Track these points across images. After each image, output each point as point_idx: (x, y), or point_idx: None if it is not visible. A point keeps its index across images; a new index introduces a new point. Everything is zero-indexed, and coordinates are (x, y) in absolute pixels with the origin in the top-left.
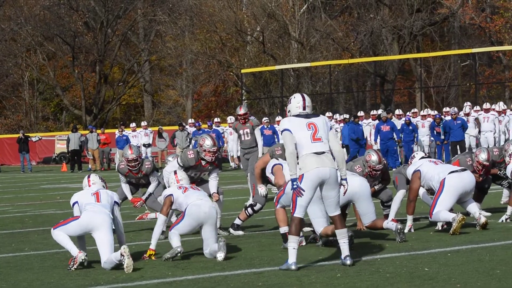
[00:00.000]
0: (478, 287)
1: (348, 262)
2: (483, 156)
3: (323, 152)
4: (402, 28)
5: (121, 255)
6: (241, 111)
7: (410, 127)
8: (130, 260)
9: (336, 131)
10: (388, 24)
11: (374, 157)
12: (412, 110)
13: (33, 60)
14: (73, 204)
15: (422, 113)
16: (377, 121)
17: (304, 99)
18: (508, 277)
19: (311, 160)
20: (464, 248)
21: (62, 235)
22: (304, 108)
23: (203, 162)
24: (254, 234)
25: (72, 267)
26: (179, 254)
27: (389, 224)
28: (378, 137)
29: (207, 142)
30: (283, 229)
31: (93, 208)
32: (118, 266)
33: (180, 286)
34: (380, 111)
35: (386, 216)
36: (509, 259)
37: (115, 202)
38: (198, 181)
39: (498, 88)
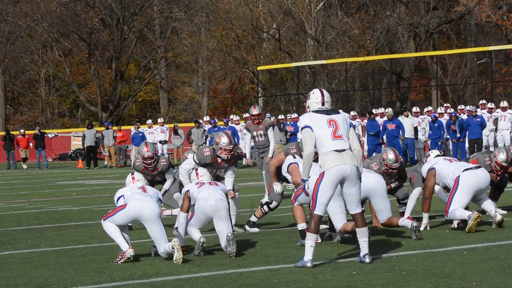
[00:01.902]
0: (494, 285)
1: (367, 260)
2: (502, 157)
3: (344, 150)
4: (418, 26)
5: (172, 247)
6: (255, 111)
7: (436, 124)
8: (179, 253)
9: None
10: (404, 22)
11: (391, 155)
12: (426, 109)
13: (49, 56)
14: (118, 198)
15: (439, 110)
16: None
17: (323, 95)
18: None
19: (332, 158)
20: (480, 246)
21: (113, 227)
22: (323, 104)
23: (219, 160)
24: (270, 231)
25: (119, 260)
26: (204, 245)
27: (405, 221)
28: (385, 135)
29: (223, 140)
30: (301, 225)
31: (140, 197)
32: (135, 263)
33: (195, 282)
34: (388, 110)
35: (402, 214)
36: None
37: (159, 198)
38: (213, 179)
39: None
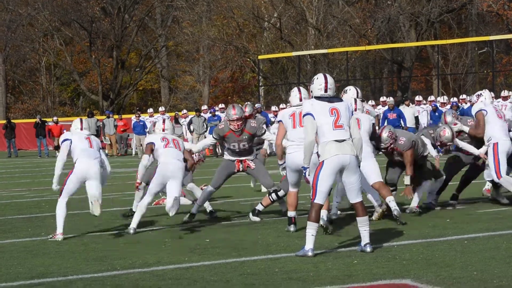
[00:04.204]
0: (495, 275)
1: (368, 249)
2: (447, 136)
3: (344, 140)
4: (420, 15)
5: (91, 202)
6: (246, 111)
7: (437, 114)
8: (94, 206)
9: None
10: (405, 11)
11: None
12: (429, 98)
13: (50, 45)
14: (64, 141)
15: (440, 100)
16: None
17: (326, 81)
18: None
19: (331, 147)
20: (481, 235)
21: (60, 209)
22: (326, 90)
23: (236, 133)
24: (271, 220)
25: (49, 238)
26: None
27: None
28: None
29: (229, 112)
30: (290, 213)
31: (86, 159)
32: (136, 252)
33: (196, 271)
34: (389, 99)
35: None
36: None
37: (100, 153)
38: (244, 153)
39: None
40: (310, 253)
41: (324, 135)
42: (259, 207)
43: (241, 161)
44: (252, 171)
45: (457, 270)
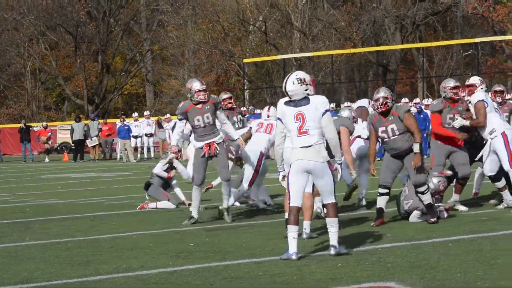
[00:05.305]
0: (479, 277)
1: (332, 251)
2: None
3: (310, 146)
4: (405, 18)
5: None
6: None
7: (422, 116)
8: None
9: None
10: (390, 14)
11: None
12: (414, 100)
13: (36, 49)
14: None
15: (425, 102)
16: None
17: (285, 87)
18: (508, 266)
19: (296, 152)
20: (465, 238)
21: None
22: (287, 94)
23: (198, 105)
24: (256, 224)
25: None
26: None
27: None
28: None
29: (193, 84)
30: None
31: None
32: (120, 256)
33: (180, 275)
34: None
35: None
36: (509, 249)
37: None
38: (209, 132)
39: (500, 78)
40: (294, 257)
41: (292, 141)
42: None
43: (209, 145)
44: (215, 160)
45: (441, 272)
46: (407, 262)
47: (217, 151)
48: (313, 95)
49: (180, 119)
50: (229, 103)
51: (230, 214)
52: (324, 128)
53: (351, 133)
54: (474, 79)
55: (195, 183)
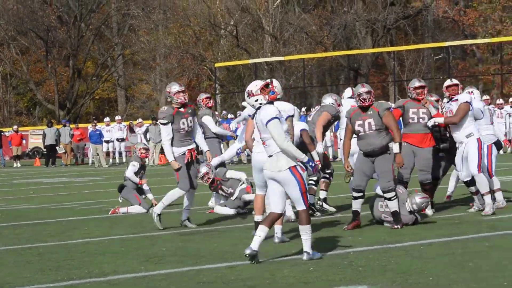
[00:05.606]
0: (451, 280)
1: (304, 257)
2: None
3: (271, 155)
4: (376, 22)
5: None
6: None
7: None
8: None
9: None
10: (361, 18)
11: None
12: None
13: (6, 54)
14: None
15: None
16: None
17: (245, 97)
18: (480, 269)
19: (266, 161)
20: (437, 241)
21: None
22: (251, 104)
23: (181, 109)
24: (227, 228)
25: None
26: None
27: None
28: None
29: (174, 87)
30: (257, 218)
31: None
32: (92, 261)
33: (153, 280)
34: None
35: None
36: (481, 252)
37: None
38: (190, 133)
39: (471, 82)
40: (247, 251)
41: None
42: (322, 194)
43: (190, 151)
44: (190, 167)
45: (413, 275)
46: (379, 265)
47: (197, 158)
48: (269, 102)
49: (166, 123)
50: (208, 102)
51: (192, 222)
52: (273, 137)
53: (335, 117)
54: (468, 91)
55: (183, 189)
